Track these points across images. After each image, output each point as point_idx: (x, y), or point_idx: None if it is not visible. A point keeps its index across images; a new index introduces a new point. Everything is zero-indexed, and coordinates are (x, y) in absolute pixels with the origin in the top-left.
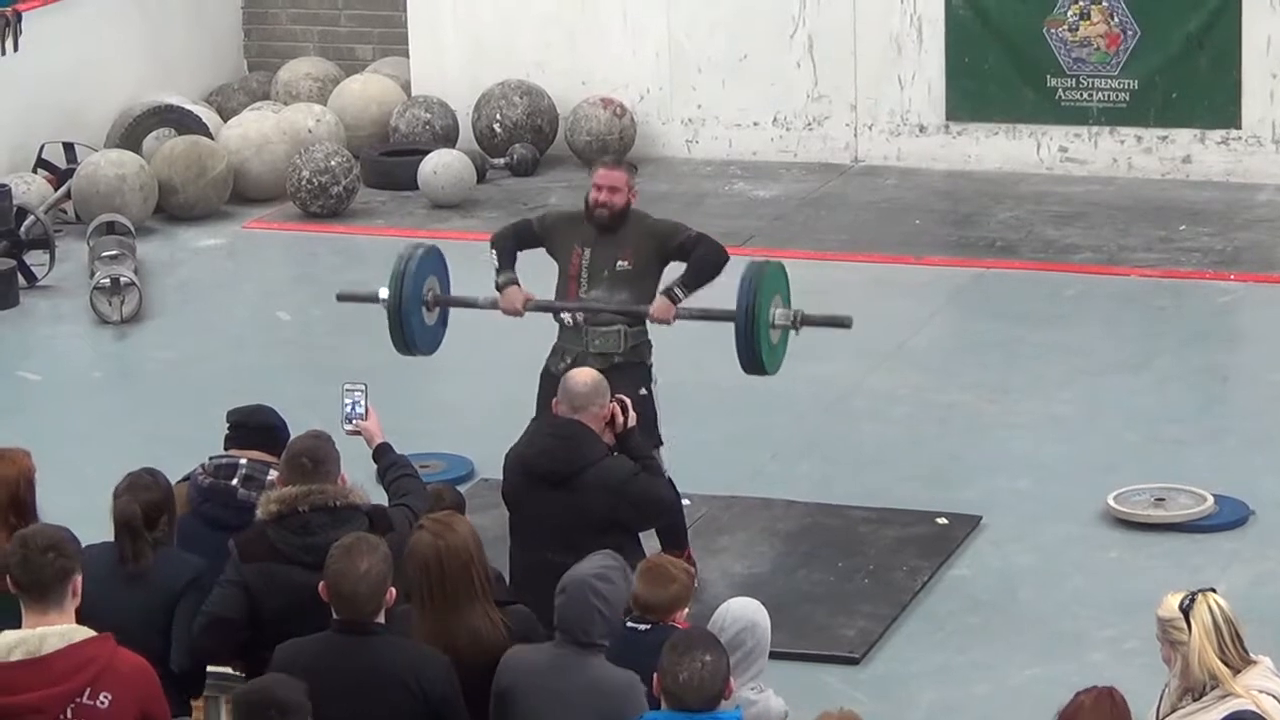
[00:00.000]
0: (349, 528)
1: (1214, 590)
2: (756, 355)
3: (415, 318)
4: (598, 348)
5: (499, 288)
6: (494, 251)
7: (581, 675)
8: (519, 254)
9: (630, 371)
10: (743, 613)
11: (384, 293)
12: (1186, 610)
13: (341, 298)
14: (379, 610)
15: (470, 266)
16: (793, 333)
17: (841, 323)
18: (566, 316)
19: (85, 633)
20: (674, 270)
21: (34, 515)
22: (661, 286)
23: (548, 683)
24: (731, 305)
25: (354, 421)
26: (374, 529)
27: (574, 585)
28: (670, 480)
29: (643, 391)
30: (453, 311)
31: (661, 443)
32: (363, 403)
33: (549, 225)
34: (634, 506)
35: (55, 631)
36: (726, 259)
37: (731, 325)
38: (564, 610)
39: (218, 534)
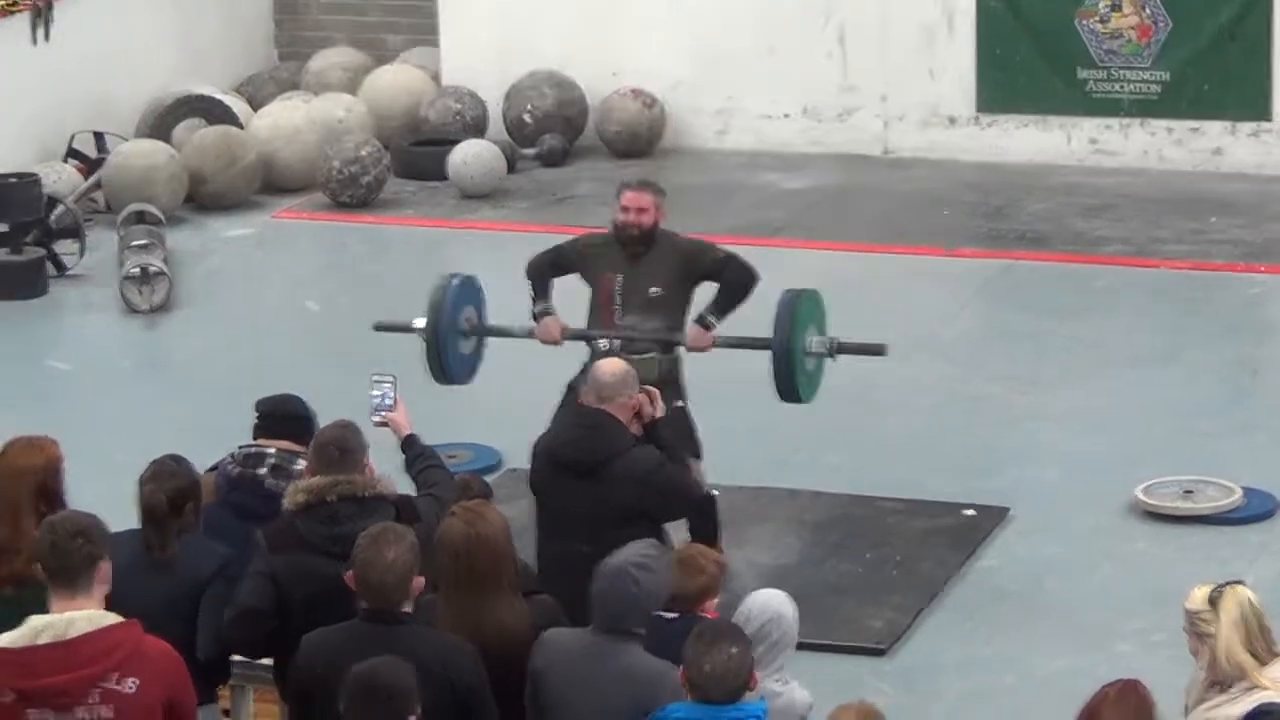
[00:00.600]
0: (376, 518)
1: (1242, 583)
2: (793, 385)
3: (452, 348)
4: None
5: (535, 317)
6: (530, 281)
7: (615, 663)
8: (554, 281)
9: (666, 390)
10: (769, 604)
11: (420, 322)
12: (1214, 602)
13: (379, 328)
14: (406, 599)
15: (499, 257)
16: (829, 360)
17: (877, 350)
18: (603, 342)
19: (112, 618)
20: (705, 292)
21: (62, 503)
22: (693, 314)
23: (582, 668)
24: (767, 330)
25: (382, 413)
26: (401, 519)
27: (612, 573)
28: (712, 495)
29: (679, 404)
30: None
31: (700, 456)
32: (391, 394)
33: (581, 250)
34: (660, 496)
35: (83, 616)
36: (756, 280)
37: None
38: (601, 597)
39: (246, 523)
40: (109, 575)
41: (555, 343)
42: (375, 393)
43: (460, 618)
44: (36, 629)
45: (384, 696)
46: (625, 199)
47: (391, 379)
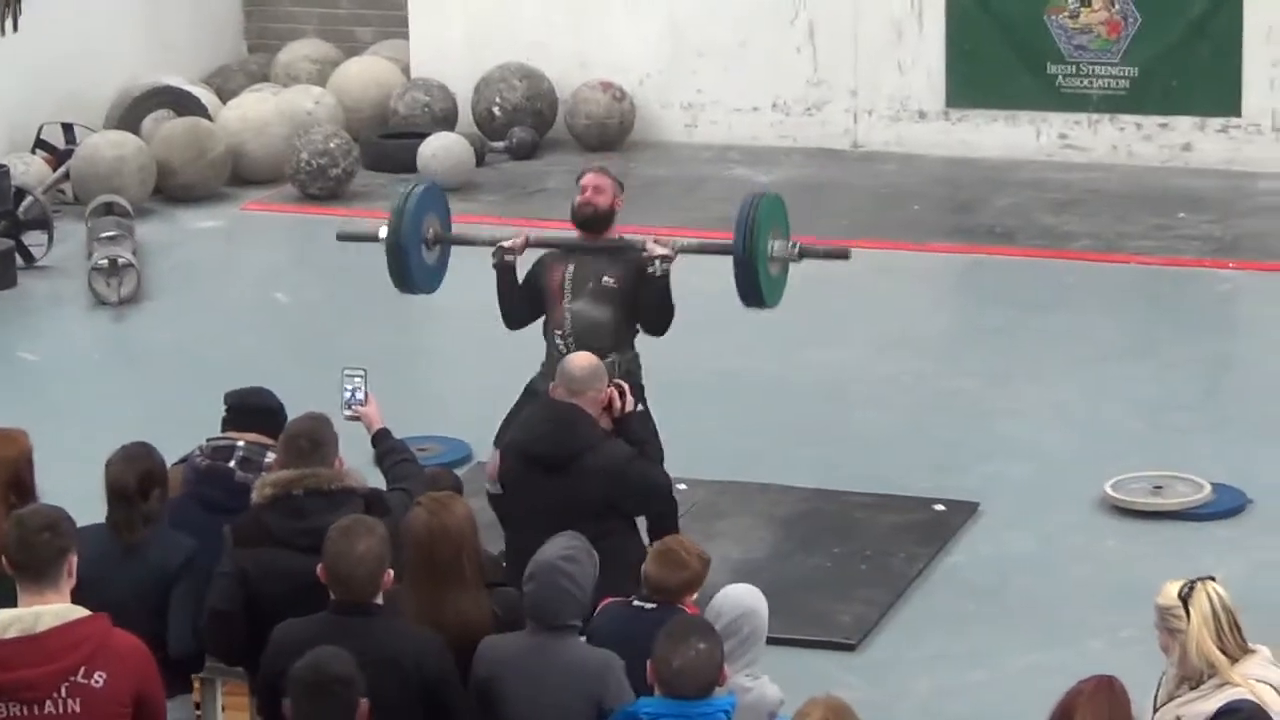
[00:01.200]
0: (344, 511)
1: (1213, 579)
2: (756, 288)
3: (415, 256)
4: None
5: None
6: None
7: (558, 658)
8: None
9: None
10: (740, 599)
11: (383, 231)
12: (1185, 598)
13: (341, 236)
14: (376, 592)
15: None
16: (792, 265)
17: (841, 254)
18: (560, 342)
19: (80, 612)
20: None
21: (33, 495)
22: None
23: (526, 668)
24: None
25: (353, 407)
26: (370, 513)
27: (542, 570)
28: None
29: (640, 408)
30: (451, 302)
31: (662, 458)
32: (363, 388)
33: (533, 267)
34: (631, 490)
35: (50, 610)
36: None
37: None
38: (534, 595)
39: (215, 516)
40: (75, 569)
41: (518, 248)
42: (347, 387)
43: (423, 609)
44: (4, 623)
45: (329, 688)
46: (584, 180)
47: (362, 373)
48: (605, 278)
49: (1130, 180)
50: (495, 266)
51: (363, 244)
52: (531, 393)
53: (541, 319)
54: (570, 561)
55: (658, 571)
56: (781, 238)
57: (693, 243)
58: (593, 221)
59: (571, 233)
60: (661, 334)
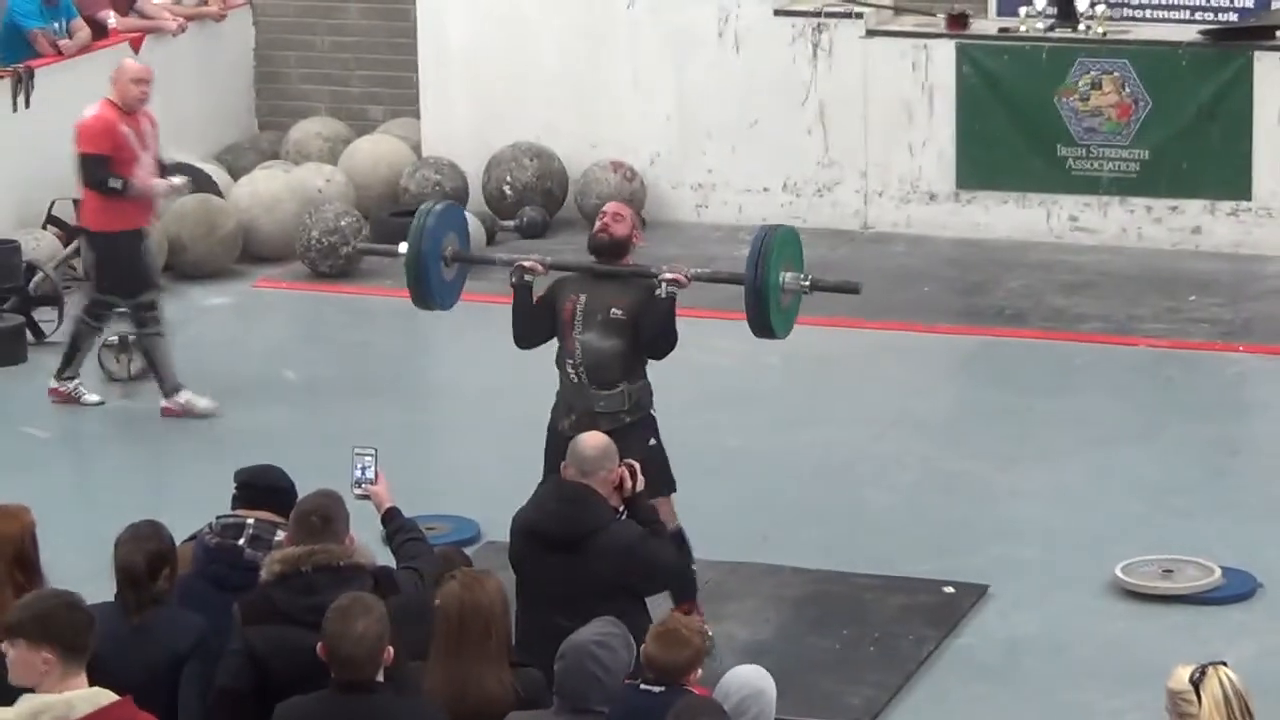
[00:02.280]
0: (353, 587)
1: (1225, 663)
2: (766, 320)
3: (434, 272)
4: (604, 408)
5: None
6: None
7: None
8: (545, 339)
9: (639, 427)
10: (748, 680)
11: (403, 247)
12: (1197, 683)
13: (360, 251)
14: (377, 670)
15: (481, 327)
16: (805, 296)
17: (852, 288)
18: (571, 371)
19: (109, 696)
20: None
21: (39, 572)
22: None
23: None
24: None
25: (363, 486)
26: (379, 590)
27: (573, 651)
28: (680, 529)
29: (651, 442)
30: (461, 380)
31: (674, 489)
32: (373, 467)
33: (550, 288)
34: (642, 571)
35: (80, 696)
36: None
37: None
38: (563, 676)
39: (224, 594)
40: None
41: (537, 270)
42: (357, 466)
43: (447, 683)
44: (34, 710)
45: None
46: (604, 209)
47: (373, 452)
48: (614, 309)
49: (1140, 263)
50: (513, 285)
51: (375, 321)
52: (554, 433)
53: (551, 343)
54: (603, 647)
55: (660, 651)
56: (794, 270)
57: (705, 272)
58: (607, 248)
59: (578, 264)
60: (661, 358)
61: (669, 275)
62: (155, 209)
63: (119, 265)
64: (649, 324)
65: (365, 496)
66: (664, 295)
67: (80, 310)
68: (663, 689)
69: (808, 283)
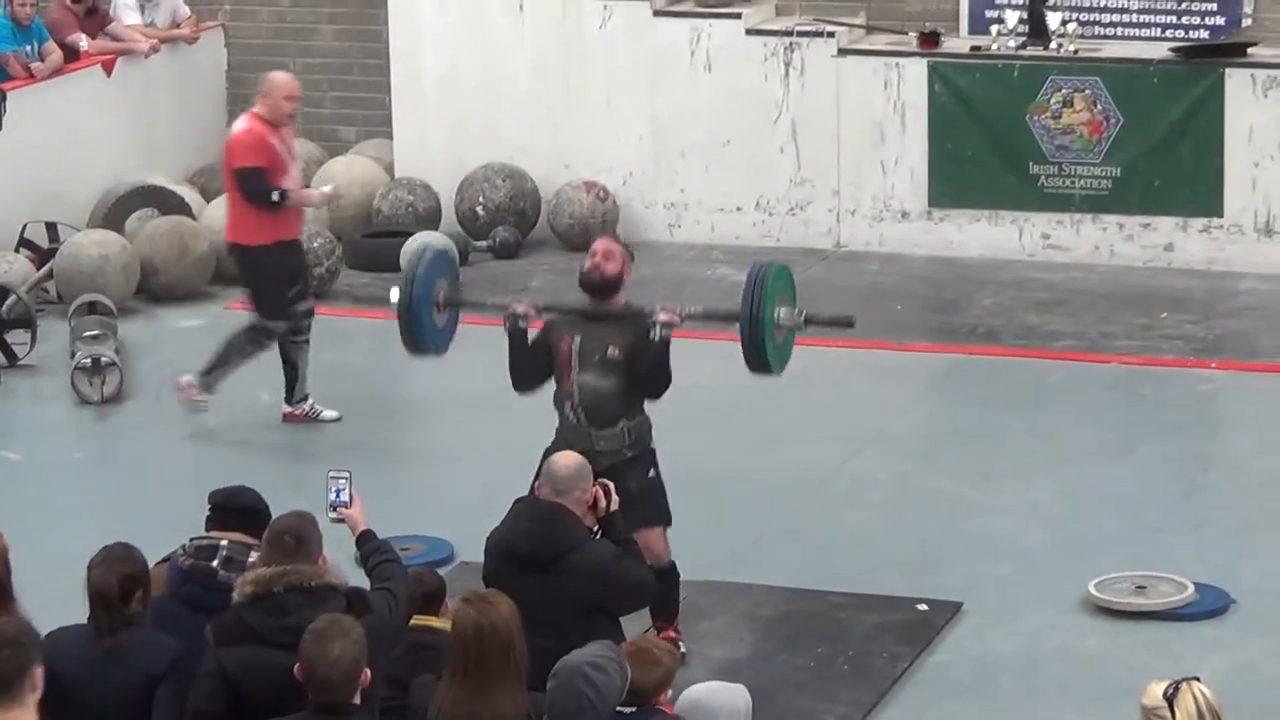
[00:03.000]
0: (325, 608)
1: (1198, 679)
2: (763, 356)
3: (426, 319)
4: (604, 446)
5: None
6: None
7: None
8: (542, 381)
9: (639, 460)
10: (723, 699)
11: (394, 294)
12: (1170, 699)
13: (350, 298)
14: (354, 693)
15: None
16: (797, 334)
17: (846, 322)
18: (570, 412)
19: None
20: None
21: (11, 595)
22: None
23: None
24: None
25: (338, 509)
26: (352, 610)
27: (566, 672)
28: (673, 564)
29: (651, 474)
30: (434, 400)
31: (670, 522)
32: (347, 490)
33: (543, 330)
34: (616, 590)
35: None
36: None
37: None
38: (554, 696)
39: (198, 616)
40: (41, 681)
41: (531, 313)
42: (332, 489)
43: (461, 704)
44: None
45: None
46: (594, 245)
47: (347, 475)
48: (611, 349)
49: (1113, 280)
50: (508, 332)
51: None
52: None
53: (549, 385)
54: (597, 669)
55: (632, 672)
56: (788, 305)
57: (699, 310)
58: (599, 286)
59: (574, 305)
60: (656, 398)
61: (663, 317)
62: (303, 219)
63: (269, 277)
64: (644, 365)
65: (340, 520)
66: (658, 338)
67: (283, 335)
68: (634, 709)
69: (803, 318)
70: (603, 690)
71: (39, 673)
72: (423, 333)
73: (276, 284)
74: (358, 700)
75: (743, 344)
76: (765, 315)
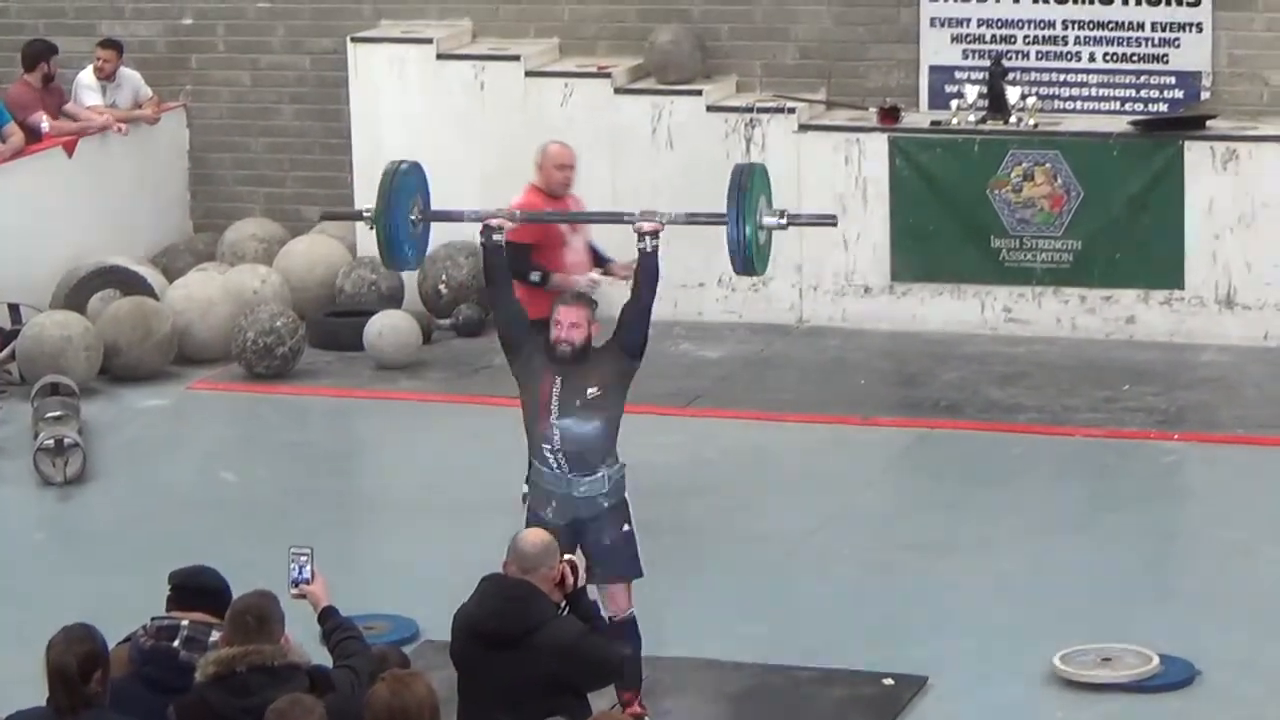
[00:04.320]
0: (289, 687)
1: None
2: (749, 257)
3: (403, 231)
4: (584, 493)
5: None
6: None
7: None
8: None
9: (616, 513)
10: None
11: (368, 209)
12: None
13: (326, 216)
14: None
15: (419, 426)
16: (777, 240)
17: (828, 221)
18: (550, 455)
19: None
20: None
21: None
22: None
23: None
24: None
25: (300, 585)
26: (314, 689)
27: None
28: (633, 616)
29: (625, 528)
30: (398, 477)
31: (639, 575)
32: (309, 567)
33: (531, 340)
34: (583, 667)
35: None
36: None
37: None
38: None
39: (160, 696)
40: None
41: (510, 221)
42: (293, 565)
43: None
44: None
45: None
46: (559, 314)
47: (309, 551)
48: (590, 389)
49: (1074, 353)
50: (483, 245)
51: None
52: (534, 516)
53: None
54: None
55: None
56: (768, 205)
57: (681, 215)
58: (571, 357)
59: (557, 212)
60: (650, 302)
61: (647, 227)
62: None
63: None
64: (637, 278)
65: (302, 596)
66: (649, 249)
67: None
68: None
69: (784, 219)
70: None
71: None
72: (400, 247)
73: None
74: None
75: (730, 246)
76: (750, 218)
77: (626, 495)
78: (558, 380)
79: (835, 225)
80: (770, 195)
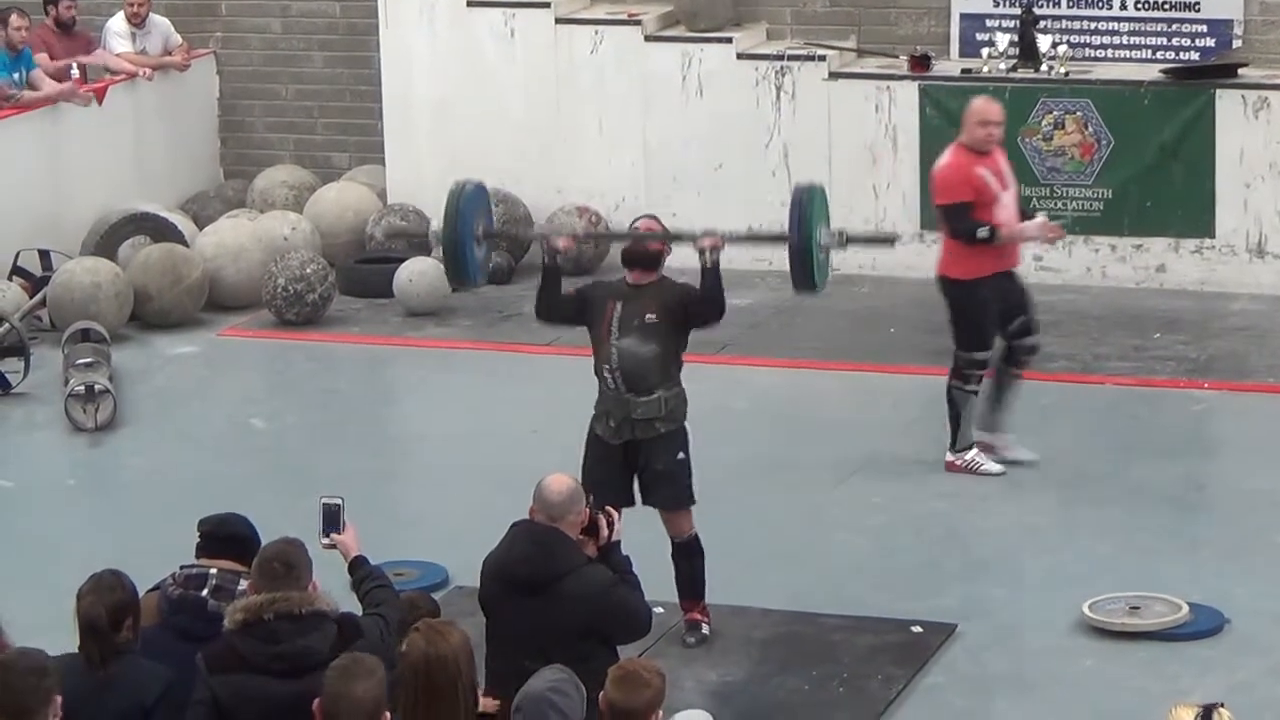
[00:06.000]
0: (316, 635)
1: (1223, 705)
2: (810, 276)
3: (469, 251)
4: (641, 414)
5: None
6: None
7: None
8: (563, 323)
9: (672, 439)
10: None
11: (435, 226)
12: None
13: (390, 234)
14: None
15: (447, 373)
16: (838, 252)
17: (887, 239)
18: (609, 376)
19: None
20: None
21: None
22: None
23: None
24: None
25: (331, 535)
26: (342, 636)
27: (531, 703)
28: (696, 536)
29: (680, 456)
30: (431, 425)
31: (693, 502)
32: (340, 516)
33: (584, 292)
34: (610, 617)
35: None
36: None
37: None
38: None
39: (188, 645)
40: (60, 709)
41: (571, 243)
42: (324, 514)
43: None
44: None
45: None
46: (638, 225)
47: (339, 500)
48: (649, 315)
49: (1105, 301)
50: (545, 266)
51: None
52: (593, 437)
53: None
54: (559, 693)
55: (621, 695)
56: (825, 225)
57: (742, 233)
58: (642, 259)
59: (620, 232)
60: (712, 323)
61: (707, 242)
62: (1019, 251)
63: (980, 310)
64: (698, 295)
65: (332, 545)
66: (708, 263)
67: (949, 379)
68: None
69: (844, 238)
70: (569, 713)
71: (59, 701)
72: (467, 265)
73: (986, 317)
74: None
75: (792, 267)
76: (812, 235)
77: (686, 424)
78: (618, 305)
79: (893, 245)
80: (828, 215)
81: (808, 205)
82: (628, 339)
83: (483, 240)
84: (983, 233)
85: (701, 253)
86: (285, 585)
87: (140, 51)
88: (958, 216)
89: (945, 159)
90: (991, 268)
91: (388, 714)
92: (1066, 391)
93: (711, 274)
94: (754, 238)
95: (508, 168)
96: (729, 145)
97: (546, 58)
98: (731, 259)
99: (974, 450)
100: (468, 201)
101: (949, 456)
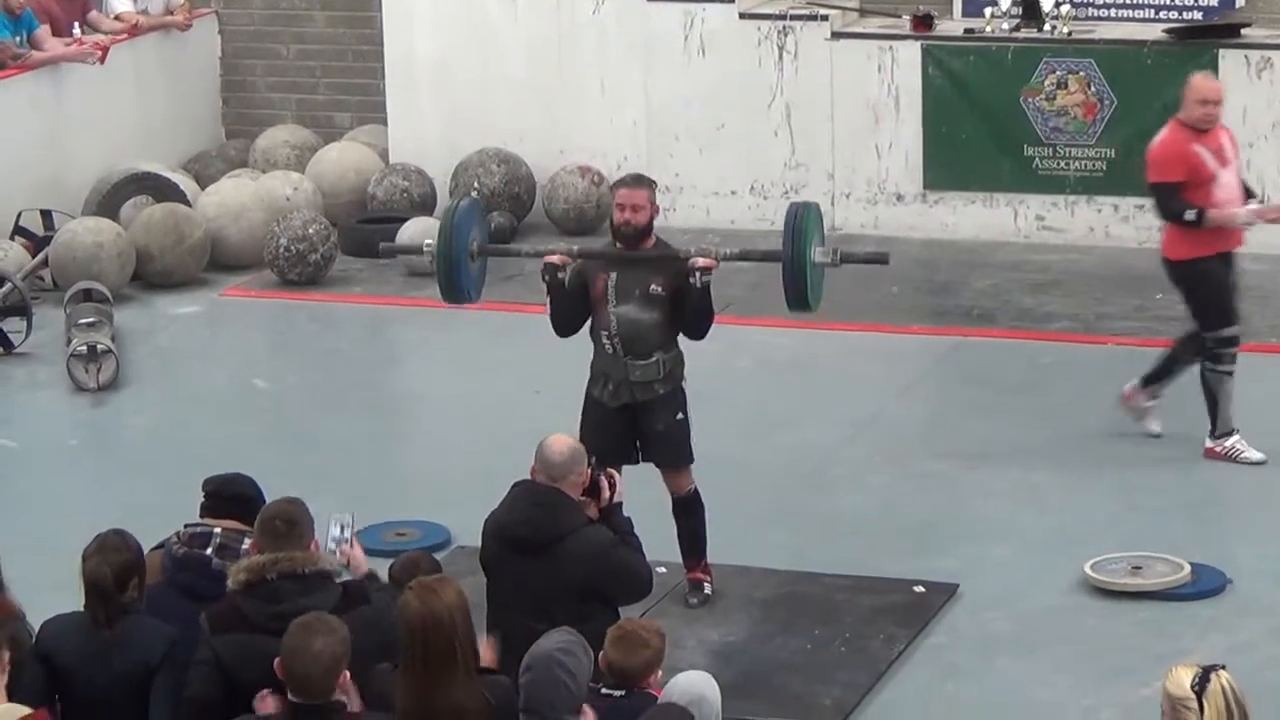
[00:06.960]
0: (319, 595)
1: (1223, 667)
2: (804, 295)
3: (463, 267)
4: (639, 377)
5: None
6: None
7: None
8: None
9: (670, 400)
10: (691, 687)
11: (429, 243)
12: (1199, 691)
13: (386, 251)
14: (330, 691)
15: (449, 332)
16: (826, 278)
17: (879, 259)
18: (606, 341)
19: (20, 710)
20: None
21: (1, 583)
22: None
23: None
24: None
25: (340, 545)
26: (348, 599)
27: (540, 662)
28: (696, 491)
29: (679, 416)
30: (433, 385)
31: (692, 460)
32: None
33: (578, 270)
34: (611, 577)
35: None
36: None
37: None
38: (531, 688)
39: (192, 603)
40: (7, 664)
41: (567, 260)
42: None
43: (415, 696)
44: None
45: None
46: (620, 196)
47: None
48: (653, 286)
49: (1108, 261)
50: (546, 283)
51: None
52: (590, 400)
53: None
54: (567, 654)
55: (620, 655)
56: (820, 244)
57: (735, 252)
58: (633, 236)
59: (612, 250)
60: (700, 338)
61: (701, 263)
62: (1242, 232)
63: (1214, 287)
64: (689, 309)
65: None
66: (699, 285)
67: (1202, 363)
68: (623, 692)
69: (838, 256)
70: (577, 674)
71: (5, 656)
72: (461, 281)
73: (1221, 291)
74: (343, 698)
75: (785, 286)
76: (806, 254)
77: (683, 385)
78: (611, 275)
79: (887, 263)
80: (822, 233)
81: (802, 224)
82: (626, 306)
83: (477, 257)
84: (1190, 215)
85: (693, 273)
86: (287, 543)
87: (142, 11)
88: (1166, 196)
89: (1161, 135)
90: (1216, 247)
91: (346, 674)
92: (1069, 351)
93: (702, 293)
94: (748, 256)
95: (510, 127)
96: (731, 105)
97: (548, 17)
98: (734, 219)
99: (1235, 436)
100: (462, 218)
101: (1208, 443)
